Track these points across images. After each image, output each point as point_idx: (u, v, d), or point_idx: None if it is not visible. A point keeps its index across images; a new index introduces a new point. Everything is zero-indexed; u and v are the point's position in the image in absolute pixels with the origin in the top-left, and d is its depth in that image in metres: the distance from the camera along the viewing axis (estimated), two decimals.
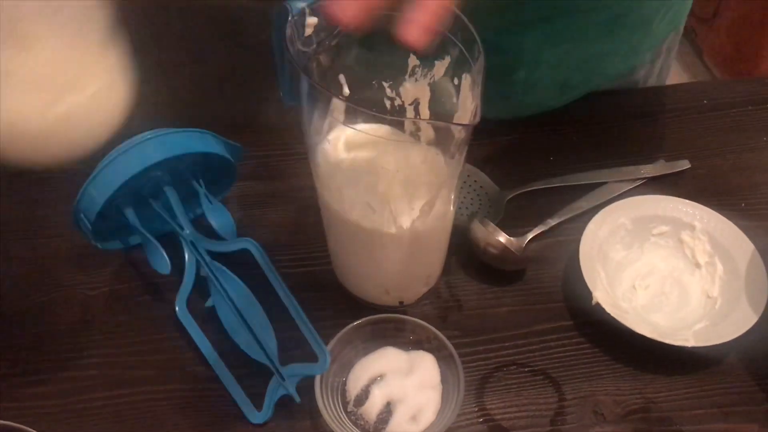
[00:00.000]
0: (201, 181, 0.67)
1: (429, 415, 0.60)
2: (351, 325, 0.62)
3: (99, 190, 0.61)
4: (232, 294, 0.63)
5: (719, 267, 0.68)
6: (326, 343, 0.60)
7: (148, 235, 0.64)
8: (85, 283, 0.70)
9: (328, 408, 0.59)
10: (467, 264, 0.71)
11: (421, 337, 0.63)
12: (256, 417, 0.61)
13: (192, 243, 0.65)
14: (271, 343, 0.61)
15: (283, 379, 0.61)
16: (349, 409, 0.61)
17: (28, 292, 0.69)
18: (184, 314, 0.64)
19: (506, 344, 0.65)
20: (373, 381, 0.61)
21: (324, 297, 0.68)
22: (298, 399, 0.60)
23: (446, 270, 0.70)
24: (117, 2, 0.66)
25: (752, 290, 0.64)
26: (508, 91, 0.78)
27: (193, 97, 0.79)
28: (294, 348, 0.64)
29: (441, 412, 0.60)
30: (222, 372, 0.63)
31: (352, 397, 0.61)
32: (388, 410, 0.60)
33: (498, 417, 0.61)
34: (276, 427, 0.61)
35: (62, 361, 0.65)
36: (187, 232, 0.65)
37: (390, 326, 0.63)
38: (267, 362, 0.61)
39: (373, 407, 0.60)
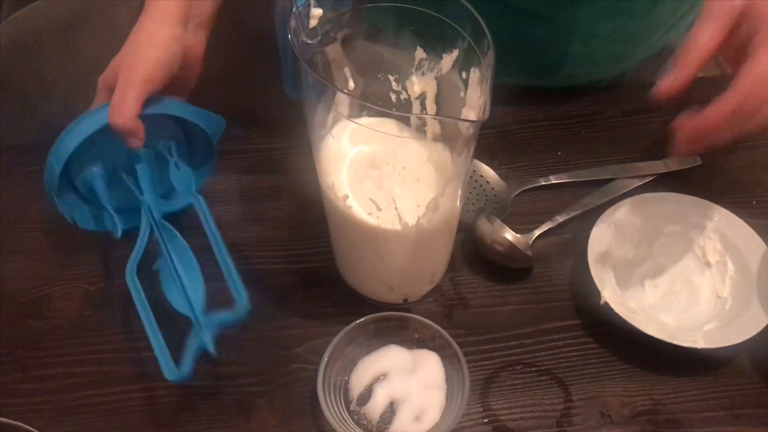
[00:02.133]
0: (173, 152, 0.66)
1: (433, 415, 0.59)
2: (354, 323, 0.61)
3: (70, 140, 0.61)
4: (173, 252, 0.61)
5: (730, 266, 0.67)
6: (328, 342, 0.59)
7: (106, 204, 0.64)
8: (84, 278, 0.69)
9: (330, 407, 0.58)
10: (473, 261, 0.69)
11: (425, 336, 0.61)
12: (173, 373, 0.56)
13: (149, 208, 0.64)
14: (198, 295, 0.58)
15: (200, 327, 0.56)
16: (351, 408, 0.60)
17: (25, 286, 0.68)
18: (131, 278, 0.61)
19: (512, 343, 0.64)
20: (377, 380, 0.61)
21: (327, 293, 0.67)
22: (213, 351, 0.55)
23: (451, 267, 0.69)
24: None
25: (764, 291, 0.63)
26: (560, 62, 0.78)
27: (195, 90, 0.78)
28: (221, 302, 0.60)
29: (445, 412, 0.59)
30: (152, 329, 0.59)
31: (355, 396, 0.60)
32: (391, 410, 0.59)
33: (503, 417, 0.60)
34: (276, 426, 0.60)
35: (60, 356, 0.64)
36: (146, 196, 0.64)
37: (393, 324, 0.62)
38: (189, 314, 0.58)
39: (376, 407, 0.59)
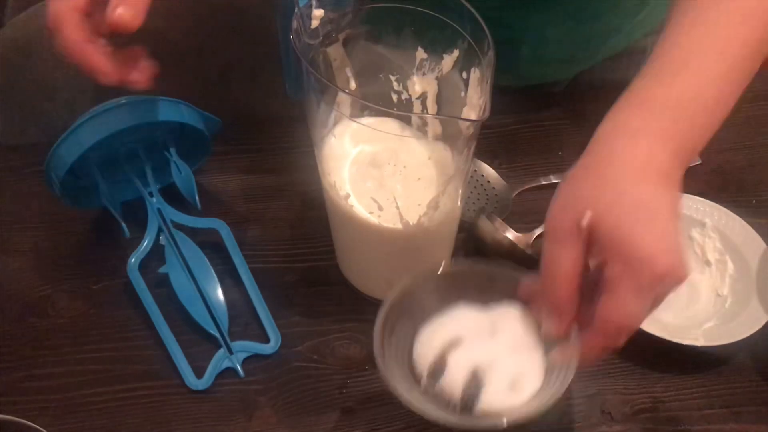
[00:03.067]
0: (173, 150, 0.67)
1: (534, 379, 0.48)
2: (397, 291, 0.51)
3: (68, 151, 0.62)
4: (190, 261, 0.64)
5: (729, 265, 0.67)
6: (330, 341, 0.59)
7: (109, 206, 0.66)
8: (87, 277, 0.69)
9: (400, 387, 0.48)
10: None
11: (503, 286, 0.50)
12: (195, 384, 0.62)
13: (159, 210, 0.66)
14: (223, 316, 0.63)
15: (231, 352, 0.62)
16: (424, 384, 0.50)
17: (29, 285, 0.68)
18: (134, 272, 0.64)
19: None
20: (448, 348, 0.50)
21: (328, 292, 0.68)
22: (242, 374, 0.62)
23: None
24: None
25: (763, 289, 0.63)
26: (515, 63, 0.77)
27: (197, 90, 0.79)
28: (243, 326, 0.65)
29: (549, 373, 0.48)
30: (166, 334, 0.63)
31: (425, 371, 0.50)
32: (475, 381, 0.49)
33: None
34: (278, 424, 0.60)
35: (63, 355, 0.64)
36: (155, 199, 0.66)
37: (461, 280, 0.52)
38: (216, 333, 0.62)
39: (455, 379, 0.49)
